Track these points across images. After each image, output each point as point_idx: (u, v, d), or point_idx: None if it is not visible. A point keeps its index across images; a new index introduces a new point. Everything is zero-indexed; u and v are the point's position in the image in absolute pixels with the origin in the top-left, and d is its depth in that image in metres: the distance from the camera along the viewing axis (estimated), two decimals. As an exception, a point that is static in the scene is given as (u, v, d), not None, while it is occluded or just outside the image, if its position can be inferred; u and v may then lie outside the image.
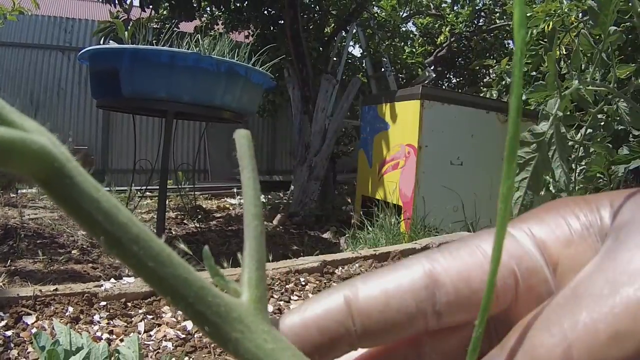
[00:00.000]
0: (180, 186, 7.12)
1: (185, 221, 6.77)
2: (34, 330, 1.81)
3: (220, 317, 0.28)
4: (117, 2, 8.31)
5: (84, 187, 0.26)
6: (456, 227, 4.37)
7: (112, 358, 1.35)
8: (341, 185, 9.36)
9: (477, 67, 12.04)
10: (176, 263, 0.27)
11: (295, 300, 2.44)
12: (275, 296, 2.44)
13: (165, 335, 1.91)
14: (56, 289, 2.14)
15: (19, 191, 8.16)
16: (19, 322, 1.92)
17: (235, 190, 10.30)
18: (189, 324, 2.03)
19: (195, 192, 9.65)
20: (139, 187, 7.50)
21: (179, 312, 2.03)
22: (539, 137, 1.02)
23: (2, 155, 0.23)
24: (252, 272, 0.34)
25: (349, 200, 8.31)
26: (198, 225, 6.41)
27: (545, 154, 1.03)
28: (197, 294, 0.27)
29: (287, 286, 2.57)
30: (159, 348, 1.83)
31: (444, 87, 14.07)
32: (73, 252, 4.66)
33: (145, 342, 1.84)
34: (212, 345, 1.83)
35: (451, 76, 14.75)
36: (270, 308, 2.30)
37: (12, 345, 1.75)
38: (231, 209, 8.68)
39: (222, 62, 4.56)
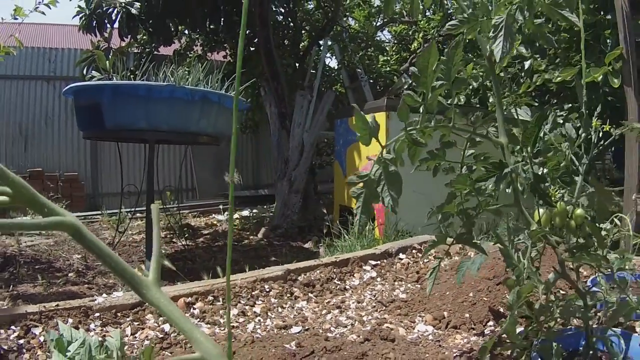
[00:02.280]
0: (166, 206, 7.42)
1: (174, 240, 7.06)
2: (41, 339, 2.22)
3: (139, 284, 0.73)
4: (97, 31, 8.58)
5: (91, 238, 0.72)
6: (428, 230, 4.73)
7: (101, 347, 1.80)
8: (324, 195, 9.70)
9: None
10: (125, 265, 0.74)
11: (259, 304, 2.84)
12: (242, 302, 2.81)
13: (147, 336, 2.31)
14: (57, 305, 2.52)
15: (14, 219, 8.46)
16: (28, 333, 2.32)
17: (221, 206, 10.59)
18: (166, 326, 2.41)
19: (184, 211, 9.98)
20: (128, 210, 7.82)
21: (160, 318, 2.45)
22: (364, 178, 1.45)
23: (57, 228, 0.69)
24: (154, 265, 0.79)
25: (330, 210, 8.60)
26: (186, 243, 6.75)
27: (373, 189, 1.44)
28: (131, 275, 0.72)
29: (253, 293, 2.93)
30: (142, 345, 2.24)
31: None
32: (70, 275, 4.96)
33: (131, 342, 2.23)
34: (185, 342, 2.22)
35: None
36: (235, 311, 2.69)
37: (24, 350, 2.16)
38: (218, 225, 9.00)
39: (196, 91, 4.90)
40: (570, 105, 6.25)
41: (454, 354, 2.06)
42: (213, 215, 10.25)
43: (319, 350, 1.85)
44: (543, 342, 1.83)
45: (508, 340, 2.05)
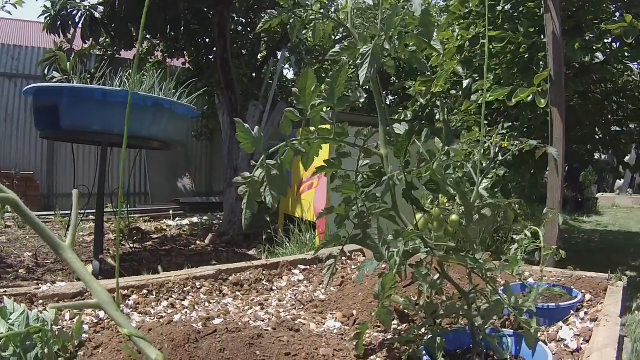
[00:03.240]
0: (116, 210, 7.52)
1: (123, 242, 7.16)
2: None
3: (57, 246, 1.02)
4: (60, 32, 8.65)
5: (27, 212, 0.99)
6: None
7: (39, 319, 2.03)
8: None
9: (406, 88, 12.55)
10: (49, 233, 1.03)
11: (189, 299, 3.02)
12: (173, 296, 2.98)
13: (83, 321, 2.50)
14: (5, 291, 2.66)
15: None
16: (-23, 315, 2.51)
17: (172, 212, 10.72)
18: (101, 313, 2.59)
19: (136, 215, 10.07)
20: (81, 212, 7.92)
21: (97, 309, 2.64)
22: (248, 179, 1.68)
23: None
24: (71, 233, 1.06)
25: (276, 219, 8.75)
26: (134, 246, 6.90)
27: (257, 189, 1.66)
28: (52, 239, 1.00)
29: (184, 289, 3.08)
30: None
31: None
32: (20, 271, 5.12)
33: (69, 326, 2.42)
34: (114, 326, 2.40)
35: (388, 95, 15.14)
36: (165, 304, 2.87)
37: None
38: (168, 230, 9.12)
39: (149, 97, 5.07)
40: (510, 124, 6.53)
41: (353, 346, 2.28)
42: (164, 220, 10.37)
43: (221, 330, 2.08)
44: (430, 338, 2.00)
45: (405, 334, 2.28)
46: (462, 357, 2.10)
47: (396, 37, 1.70)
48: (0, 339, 1.82)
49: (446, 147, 1.89)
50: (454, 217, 1.92)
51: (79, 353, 2.10)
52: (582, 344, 2.28)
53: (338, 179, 1.99)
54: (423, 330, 2.24)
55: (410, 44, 1.78)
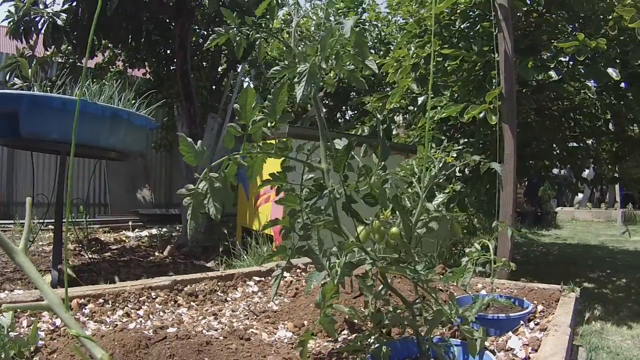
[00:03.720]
0: (75, 220, 7.48)
1: (82, 253, 7.13)
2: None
3: (11, 250, 1.10)
4: (23, 38, 8.60)
5: None
6: None
7: None
8: (231, 217, 9.90)
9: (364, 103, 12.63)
10: (12, 247, 1.08)
11: (144, 308, 3.06)
12: (129, 305, 3.02)
13: (40, 327, 2.52)
14: None
15: None
16: None
17: (130, 223, 10.70)
18: (58, 321, 2.60)
19: (95, 225, 10.01)
20: (40, 221, 7.88)
21: (54, 315, 2.66)
22: (191, 191, 1.74)
23: None
24: (24, 237, 1.11)
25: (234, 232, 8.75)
26: (92, 257, 6.86)
27: (200, 200, 1.71)
28: (5, 243, 1.05)
29: (140, 298, 3.12)
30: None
31: (339, 120, 14.59)
32: (-19, 279, 5.09)
33: (26, 333, 2.44)
34: (68, 334, 2.44)
35: (347, 110, 15.23)
36: (120, 312, 2.90)
37: None
38: (127, 241, 9.10)
39: (107, 107, 5.06)
40: (466, 140, 6.64)
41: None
42: (123, 231, 10.33)
43: (171, 337, 2.13)
44: (376, 347, 2.06)
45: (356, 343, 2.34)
46: (412, 366, 2.15)
47: (333, 56, 1.76)
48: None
49: (382, 162, 1.95)
50: (394, 229, 1.97)
51: (34, 358, 2.13)
52: (530, 353, 2.35)
53: (283, 192, 2.05)
54: (371, 339, 2.30)
55: (348, 63, 1.84)
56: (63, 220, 5.44)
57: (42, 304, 1.40)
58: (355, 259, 1.98)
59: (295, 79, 1.76)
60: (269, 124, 1.85)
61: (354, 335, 2.66)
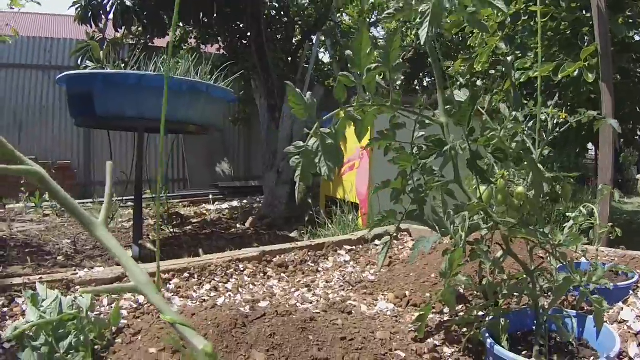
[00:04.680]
0: (154, 195, 7.49)
1: (163, 227, 7.14)
2: (24, 307, 2.32)
3: (89, 223, 0.94)
4: (92, 22, 8.63)
5: (54, 185, 0.89)
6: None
7: (73, 305, 1.95)
8: (313, 187, 9.81)
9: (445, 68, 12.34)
10: (78, 208, 0.93)
11: (232, 281, 2.95)
12: (216, 279, 2.90)
13: (122, 306, 2.42)
14: (41, 277, 2.61)
15: (7, 206, 8.59)
16: (12, 302, 2.42)
17: (211, 196, 10.68)
18: (141, 298, 2.52)
19: (175, 200, 10.08)
20: (119, 198, 7.91)
21: (136, 294, 2.56)
22: (300, 148, 1.58)
23: (25, 174, 0.87)
24: (104, 210, 0.96)
25: (318, 201, 8.70)
26: (173, 231, 6.87)
27: (311, 159, 1.55)
28: (83, 215, 0.90)
29: (227, 271, 3.01)
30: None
31: (416, 88, 14.37)
32: (59, 258, 5.06)
33: (107, 312, 2.34)
34: (155, 311, 2.32)
35: (425, 77, 14.98)
36: (207, 287, 2.79)
37: (7, 317, 2.26)
38: (207, 214, 9.08)
39: (184, 81, 5.01)
40: (553, 102, 6.34)
41: (409, 329, 2.16)
42: (203, 205, 10.35)
43: (270, 314, 1.97)
44: (493, 319, 1.89)
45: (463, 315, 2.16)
46: (524, 340, 1.98)
47: (455, -4, 1.56)
48: (31, 328, 1.75)
49: (514, 113, 1.76)
50: (520, 189, 1.79)
51: (116, 340, 2.02)
52: (645, 326, 2.14)
53: (392, 151, 1.87)
54: (481, 312, 2.12)
55: (470, 4, 1.64)
56: (143, 196, 5.43)
57: (127, 285, 1.24)
58: (470, 224, 1.80)
59: (418, 19, 1.57)
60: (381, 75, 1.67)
61: (460, 307, 2.49)
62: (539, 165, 1.93)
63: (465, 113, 1.63)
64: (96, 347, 1.97)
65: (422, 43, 1.55)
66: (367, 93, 1.66)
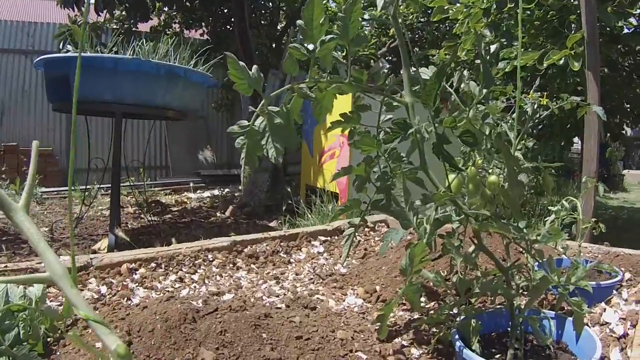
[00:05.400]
0: (132, 183, 7.41)
1: (142, 215, 7.08)
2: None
3: (8, 207, 0.80)
4: (74, 6, 8.53)
5: None
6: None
7: (24, 296, 1.83)
8: (294, 176, 9.70)
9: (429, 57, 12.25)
10: (11, 203, 0.79)
11: (199, 272, 2.81)
12: (183, 269, 2.78)
13: (84, 296, 2.30)
14: (6, 266, 2.49)
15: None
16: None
17: (192, 185, 10.57)
18: (103, 289, 2.39)
19: (156, 188, 9.99)
20: (100, 186, 7.81)
21: (102, 281, 2.44)
22: (245, 128, 1.44)
23: None
24: (25, 194, 0.82)
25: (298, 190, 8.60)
26: (152, 219, 6.75)
27: (257, 140, 1.40)
28: (8, 203, 0.75)
29: (195, 262, 2.89)
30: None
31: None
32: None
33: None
34: (116, 302, 2.20)
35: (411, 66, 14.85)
36: (173, 277, 2.67)
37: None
38: (188, 202, 8.99)
39: (162, 65, 4.91)
40: (538, 92, 6.25)
41: (375, 327, 2.04)
42: (185, 193, 10.28)
43: (223, 309, 1.85)
44: (464, 319, 1.77)
45: (433, 315, 2.03)
46: (499, 341, 1.86)
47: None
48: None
49: (484, 91, 1.61)
50: (492, 177, 1.64)
51: (69, 332, 1.89)
52: (629, 329, 2.03)
53: (357, 134, 1.72)
54: (454, 310, 1.99)
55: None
56: (120, 184, 5.34)
57: (39, 275, 1.10)
58: (440, 215, 1.67)
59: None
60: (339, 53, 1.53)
61: (432, 304, 2.37)
62: (516, 153, 1.81)
63: (430, 91, 1.48)
64: (48, 339, 1.87)
65: (378, 10, 1.41)
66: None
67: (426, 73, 1.65)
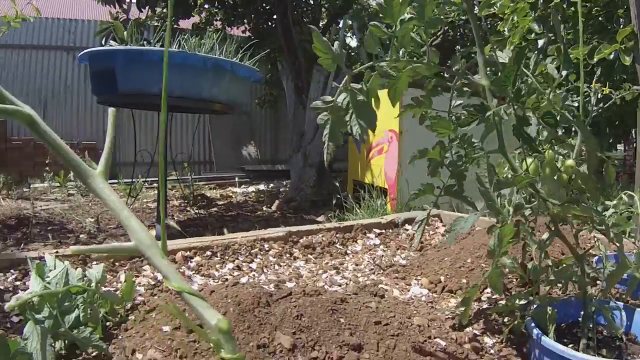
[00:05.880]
0: (179, 177, 7.45)
1: (188, 208, 7.10)
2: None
3: (85, 174, 0.86)
4: (116, 3, 8.58)
5: (45, 129, 0.77)
6: (442, 207, 4.66)
7: (83, 278, 1.83)
8: (340, 172, 9.67)
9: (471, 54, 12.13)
10: (73, 156, 0.97)
11: (257, 261, 2.83)
12: (240, 258, 2.79)
13: (139, 282, 2.32)
14: (57, 252, 2.52)
15: (31, 186, 8.59)
16: (26, 276, 2.36)
17: (237, 179, 10.60)
18: (159, 275, 2.42)
19: (201, 183, 10.06)
20: (145, 179, 7.87)
21: (155, 271, 2.44)
22: (329, 103, 1.42)
23: (12, 115, 0.76)
24: (103, 161, 0.84)
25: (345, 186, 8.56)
26: (198, 212, 6.78)
27: (340, 116, 1.38)
28: (78, 164, 0.81)
29: (252, 251, 2.90)
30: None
31: (445, 75, 14.20)
32: (81, 236, 5.01)
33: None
34: (173, 291, 2.20)
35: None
36: (230, 265, 2.69)
37: (19, 291, 2.17)
38: (233, 197, 9.00)
39: (208, 58, 4.91)
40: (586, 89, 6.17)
41: (446, 316, 2.02)
42: (229, 187, 10.32)
43: (297, 293, 1.83)
44: (538, 307, 1.75)
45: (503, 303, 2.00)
46: (569, 332, 1.83)
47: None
48: (35, 299, 1.62)
49: (564, 73, 1.58)
50: (570, 161, 1.61)
51: (129, 317, 1.90)
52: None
53: (428, 119, 1.70)
54: (524, 300, 1.95)
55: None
56: (170, 179, 5.37)
57: (125, 245, 1.05)
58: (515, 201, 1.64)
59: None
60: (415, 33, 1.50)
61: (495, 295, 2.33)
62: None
63: (509, 73, 1.45)
64: (108, 323, 1.88)
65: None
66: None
67: (502, 57, 1.62)
